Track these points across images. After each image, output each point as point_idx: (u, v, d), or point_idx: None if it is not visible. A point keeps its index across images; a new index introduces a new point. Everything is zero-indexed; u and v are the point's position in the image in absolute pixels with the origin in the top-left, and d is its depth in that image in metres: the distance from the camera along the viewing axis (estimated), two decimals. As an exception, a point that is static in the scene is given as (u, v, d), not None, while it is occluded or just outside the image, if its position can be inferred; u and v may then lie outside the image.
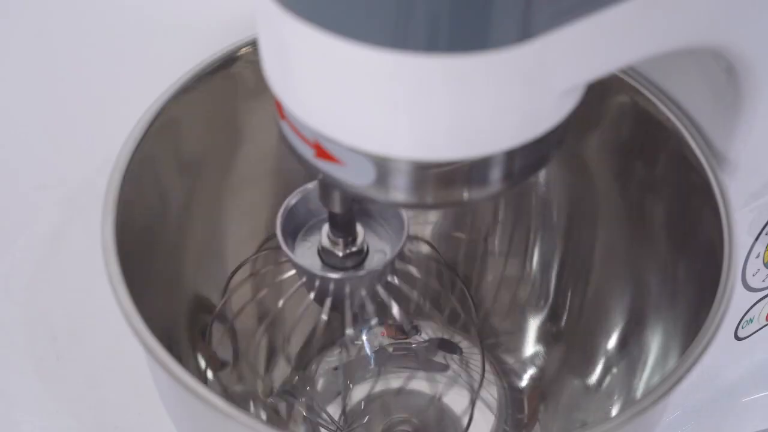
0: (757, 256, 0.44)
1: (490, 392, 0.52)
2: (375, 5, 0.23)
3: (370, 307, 0.41)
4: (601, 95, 0.42)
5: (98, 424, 0.52)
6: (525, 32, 0.24)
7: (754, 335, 0.50)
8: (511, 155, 0.28)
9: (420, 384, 0.52)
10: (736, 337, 0.49)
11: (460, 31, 0.23)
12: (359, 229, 0.39)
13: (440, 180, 0.28)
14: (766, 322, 0.50)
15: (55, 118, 0.62)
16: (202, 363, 0.46)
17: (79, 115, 0.61)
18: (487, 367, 0.50)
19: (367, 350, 0.53)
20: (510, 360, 0.53)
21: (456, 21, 0.23)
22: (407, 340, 0.54)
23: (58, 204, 0.60)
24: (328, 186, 0.34)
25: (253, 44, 0.42)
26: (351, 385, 0.52)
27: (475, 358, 0.52)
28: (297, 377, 0.52)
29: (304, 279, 0.40)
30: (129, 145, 0.38)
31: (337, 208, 0.36)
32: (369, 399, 0.52)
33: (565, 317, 0.51)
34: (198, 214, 0.46)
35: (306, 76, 0.26)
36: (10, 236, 0.59)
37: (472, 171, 0.28)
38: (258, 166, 0.48)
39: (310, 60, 0.25)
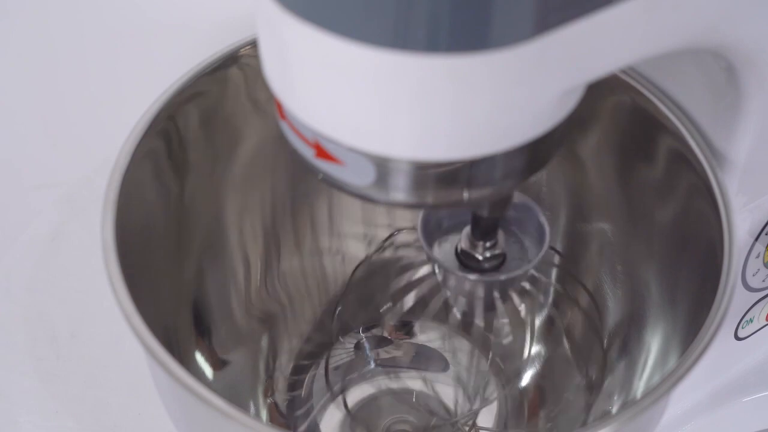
0: (757, 256, 0.44)
1: (490, 392, 0.52)
2: (375, 5, 0.23)
3: (500, 310, 0.41)
4: (601, 95, 0.42)
5: (98, 424, 0.52)
6: (525, 32, 0.24)
7: (754, 335, 0.50)
8: (511, 155, 0.28)
9: (420, 384, 0.52)
10: (736, 337, 0.49)
11: (461, 31, 0.23)
12: (500, 234, 0.39)
13: (440, 180, 0.28)
14: (766, 322, 0.50)
15: (55, 118, 0.62)
16: (202, 363, 0.46)
17: (79, 115, 0.61)
18: (487, 367, 0.50)
19: (367, 350, 0.53)
20: (510, 360, 0.53)
21: (456, 21, 0.23)
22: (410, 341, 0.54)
23: (58, 204, 0.60)
24: None
25: (253, 44, 0.42)
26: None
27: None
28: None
29: (440, 277, 0.41)
30: (129, 145, 0.38)
31: (485, 212, 0.36)
32: (369, 399, 0.52)
33: (565, 317, 0.51)
34: (198, 214, 0.46)
35: (306, 76, 0.26)
36: (10, 236, 0.59)
37: (473, 171, 0.28)
38: (257, 165, 0.48)
39: (310, 60, 0.25)
